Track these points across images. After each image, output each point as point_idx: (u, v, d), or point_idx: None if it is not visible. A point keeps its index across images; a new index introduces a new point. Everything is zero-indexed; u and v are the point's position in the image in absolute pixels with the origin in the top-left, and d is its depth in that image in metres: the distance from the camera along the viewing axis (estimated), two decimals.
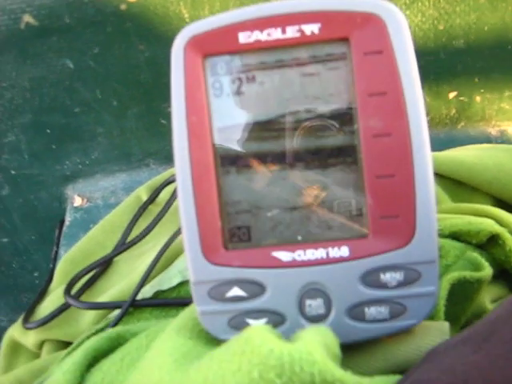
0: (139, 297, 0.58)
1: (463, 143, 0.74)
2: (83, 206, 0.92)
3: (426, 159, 0.36)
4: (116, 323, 0.55)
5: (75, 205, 0.93)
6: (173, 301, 0.56)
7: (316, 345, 0.31)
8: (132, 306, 0.57)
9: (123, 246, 0.68)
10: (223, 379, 0.31)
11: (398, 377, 0.34)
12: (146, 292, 0.58)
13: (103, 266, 0.68)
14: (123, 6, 0.79)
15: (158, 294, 0.58)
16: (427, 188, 0.36)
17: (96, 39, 0.81)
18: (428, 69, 0.86)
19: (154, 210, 0.73)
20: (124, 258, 0.70)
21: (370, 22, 0.36)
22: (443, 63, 0.86)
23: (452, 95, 0.88)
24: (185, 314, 0.41)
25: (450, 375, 0.30)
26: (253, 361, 0.30)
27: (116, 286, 0.64)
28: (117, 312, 0.58)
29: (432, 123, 0.91)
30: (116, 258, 0.70)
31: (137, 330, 0.49)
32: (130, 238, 0.69)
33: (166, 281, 0.58)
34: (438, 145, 0.90)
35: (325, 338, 0.33)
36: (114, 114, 0.89)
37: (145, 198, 0.75)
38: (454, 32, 0.82)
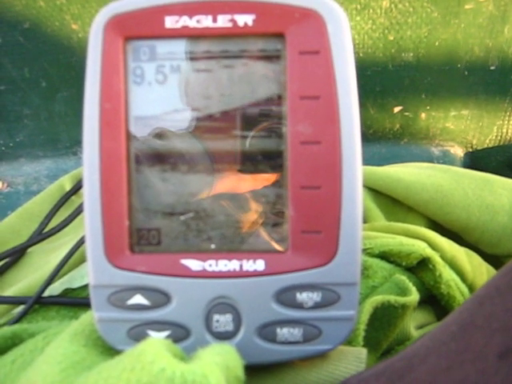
0: (47, 293, 0.54)
1: (405, 160, 0.73)
2: (3, 190, 0.88)
3: (355, 173, 0.33)
4: (17, 320, 0.51)
5: None
6: (82, 300, 0.52)
7: (213, 367, 0.29)
8: (37, 303, 0.53)
9: (39, 237, 0.63)
10: None
11: None
12: (55, 289, 0.55)
13: (15, 257, 0.64)
14: None
15: (67, 292, 0.54)
16: (354, 205, 0.34)
17: (27, 13, 0.78)
18: (374, 80, 0.85)
19: (77, 201, 0.69)
20: (39, 249, 0.66)
21: (309, 19, 0.33)
22: (391, 75, 0.85)
23: (397, 109, 0.87)
24: (84, 318, 0.38)
25: None
26: (142, 379, 0.28)
27: (26, 279, 0.60)
28: (21, 308, 0.54)
29: (374, 137, 0.90)
30: (30, 250, 0.66)
31: (35, 330, 0.45)
32: (48, 229, 0.65)
33: (77, 278, 0.55)
34: (379, 160, 0.90)
35: (226, 359, 0.31)
36: (43, 95, 0.85)
37: (68, 187, 0.71)
38: (403, 44, 0.81)
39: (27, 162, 0.90)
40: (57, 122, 0.87)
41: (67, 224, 0.63)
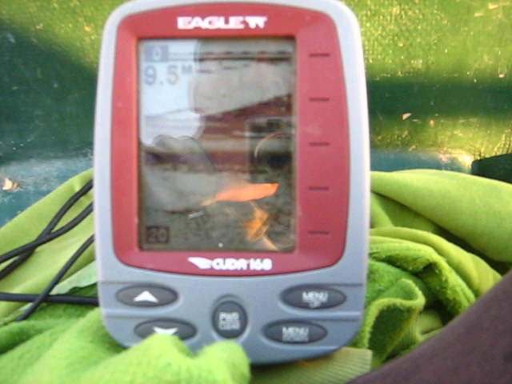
0: (55, 292, 0.54)
1: (413, 167, 0.73)
2: (13, 190, 0.88)
3: (363, 174, 0.34)
4: (25, 318, 0.52)
5: (5, 188, 0.89)
6: (89, 299, 0.53)
7: (219, 362, 0.29)
8: (45, 301, 0.53)
9: (47, 236, 0.64)
10: None
11: None
12: (63, 287, 0.55)
13: (24, 255, 0.65)
14: None
15: (75, 290, 0.55)
16: (362, 206, 0.34)
17: (41, 15, 0.78)
18: (384, 86, 0.85)
19: (86, 202, 0.69)
20: (48, 249, 0.66)
21: (319, 22, 0.34)
22: (400, 82, 0.85)
23: (406, 116, 0.87)
24: (92, 315, 0.39)
25: None
26: (148, 374, 0.28)
27: (34, 277, 0.60)
28: (29, 306, 0.54)
29: (383, 143, 0.90)
30: (39, 249, 0.66)
31: (43, 326, 0.46)
32: (56, 229, 0.66)
33: (84, 277, 0.55)
34: (387, 166, 0.90)
35: (232, 356, 0.31)
36: (54, 96, 0.86)
37: (78, 188, 0.71)
38: (413, 51, 0.81)
39: (37, 162, 0.91)
40: (68, 124, 0.88)
41: (76, 224, 0.64)
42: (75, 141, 0.90)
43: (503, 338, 0.26)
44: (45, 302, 0.53)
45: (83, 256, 0.57)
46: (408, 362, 0.30)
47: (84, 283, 0.55)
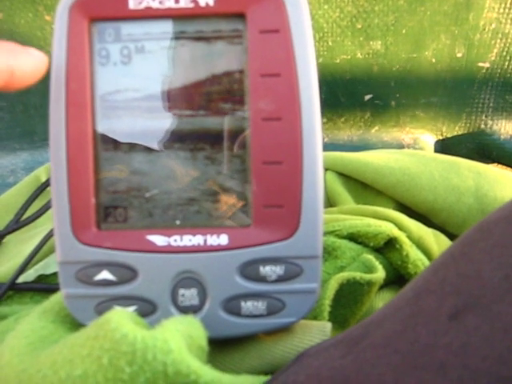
0: (21, 280, 0.54)
1: (376, 147, 0.74)
2: None
3: (316, 148, 0.34)
4: None
5: None
6: (54, 286, 0.53)
7: (175, 333, 0.29)
8: (11, 289, 0.53)
9: (14, 226, 0.64)
10: (71, 364, 0.29)
11: (265, 378, 0.32)
12: (29, 275, 0.55)
13: None
14: None
15: (41, 278, 0.55)
16: (315, 179, 0.34)
17: (0, 5, 0.77)
18: (344, 68, 0.85)
19: None
20: (15, 239, 0.66)
21: None
22: (360, 63, 0.85)
23: (367, 97, 0.88)
24: (54, 297, 0.39)
25: (315, 380, 0.29)
26: (104, 346, 0.29)
27: (1, 267, 0.60)
28: None
29: (346, 125, 0.90)
30: (6, 239, 0.66)
31: (8, 312, 0.46)
32: (23, 219, 0.66)
33: (50, 265, 0.55)
34: (350, 147, 0.91)
35: (189, 329, 0.31)
36: None
37: (44, 178, 0.71)
38: (371, 32, 0.82)
39: (4, 154, 0.89)
40: (32, 114, 0.87)
41: (42, 213, 0.64)
42: (41, 132, 0.89)
43: (448, 298, 0.27)
44: (11, 289, 0.54)
45: (49, 244, 0.57)
46: (359, 329, 0.31)
47: (50, 270, 0.55)
